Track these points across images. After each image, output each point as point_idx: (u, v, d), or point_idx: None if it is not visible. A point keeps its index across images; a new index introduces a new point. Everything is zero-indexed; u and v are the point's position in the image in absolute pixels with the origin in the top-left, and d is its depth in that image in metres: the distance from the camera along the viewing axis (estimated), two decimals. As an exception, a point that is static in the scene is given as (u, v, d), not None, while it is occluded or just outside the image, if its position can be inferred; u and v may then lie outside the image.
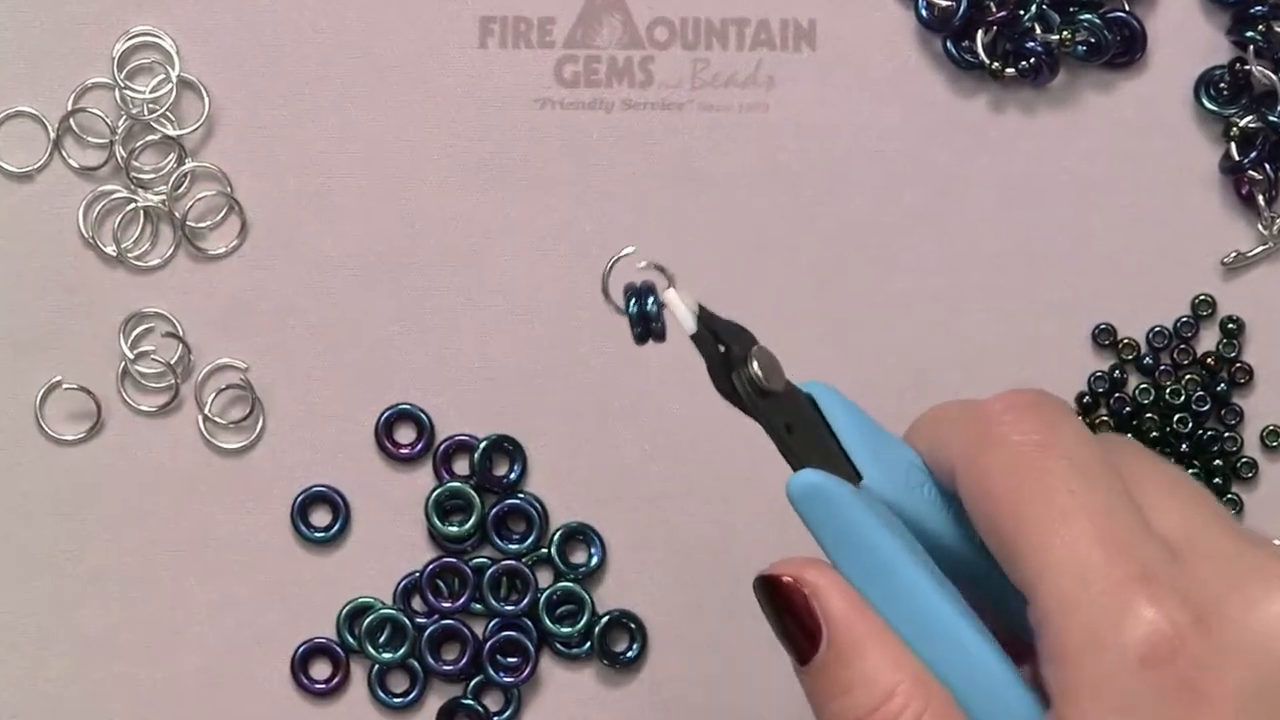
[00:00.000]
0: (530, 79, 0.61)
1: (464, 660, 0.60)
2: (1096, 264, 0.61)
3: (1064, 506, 0.41)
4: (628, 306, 0.43)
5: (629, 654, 0.60)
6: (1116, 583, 0.40)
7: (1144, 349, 0.61)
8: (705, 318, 0.43)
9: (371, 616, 0.60)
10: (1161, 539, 0.41)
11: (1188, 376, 0.61)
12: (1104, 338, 0.61)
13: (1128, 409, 0.61)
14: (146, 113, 0.60)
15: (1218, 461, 0.61)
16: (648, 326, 0.43)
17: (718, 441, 0.61)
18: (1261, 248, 0.61)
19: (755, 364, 0.43)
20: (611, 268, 0.43)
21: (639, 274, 0.43)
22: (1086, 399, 0.61)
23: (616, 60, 0.61)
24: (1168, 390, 0.60)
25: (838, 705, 0.42)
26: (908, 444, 0.45)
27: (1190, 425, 0.61)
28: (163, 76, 0.60)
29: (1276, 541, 0.43)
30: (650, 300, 0.43)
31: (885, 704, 0.41)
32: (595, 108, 0.61)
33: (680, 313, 0.43)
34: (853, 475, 0.43)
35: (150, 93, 0.60)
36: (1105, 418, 0.61)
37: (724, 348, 0.43)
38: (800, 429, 0.43)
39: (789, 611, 0.43)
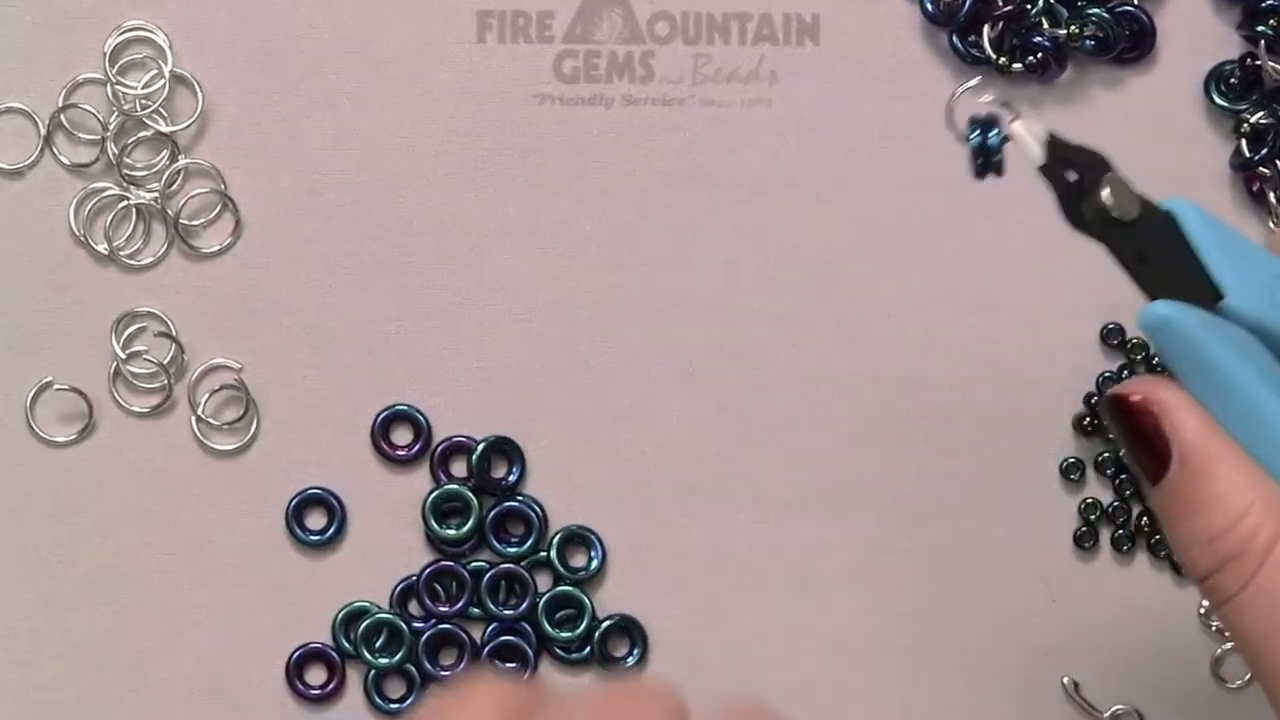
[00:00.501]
0: (529, 74, 0.60)
1: (462, 665, 0.60)
2: (1105, 263, 0.57)
3: None
4: (970, 138, 0.43)
5: (630, 660, 0.60)
6: None
7: (1153, 349, 0.61)
8: (1055, 146, 0.42)
9: (368, 621, 0.60)
10: None
11: None
12: (1113, 337, 0.61)
13: None
14: (139, 109, 0.60)
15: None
16: (989, 159, 0.43)
17: (721, 442, 0.61)
18: (1273, 245, 0.61)
19: (1106, 191, 0.42)
20: (958, 97, 0.43)
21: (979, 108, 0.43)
22: (1095, 399, 0.61)
23: (617, 55, 0.60)
24: None
25: (1190, 525, 0.41)
26: (1274, 256, 0.44)
27: None
28: (155, 72, 0.60)
29: None
30: (994, 132, 0.43)
31: (1239, 523, 0.41)
32: (595, 104, 0.61)
33: (1028, 144, 0.42)
34: (1214, 295, 0.43)
35: (142, 88, 0.60)
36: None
37: (1075, 176, 0.42)
38: (1157, 254, 0.43)
39: (1138, 430, 0.42)
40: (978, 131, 0.43)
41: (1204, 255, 0.43)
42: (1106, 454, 0.60)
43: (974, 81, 0.44)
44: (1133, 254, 0.42)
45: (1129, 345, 0.61)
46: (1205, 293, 0.43)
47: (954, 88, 0.57)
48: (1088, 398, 0.61)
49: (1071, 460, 0.60)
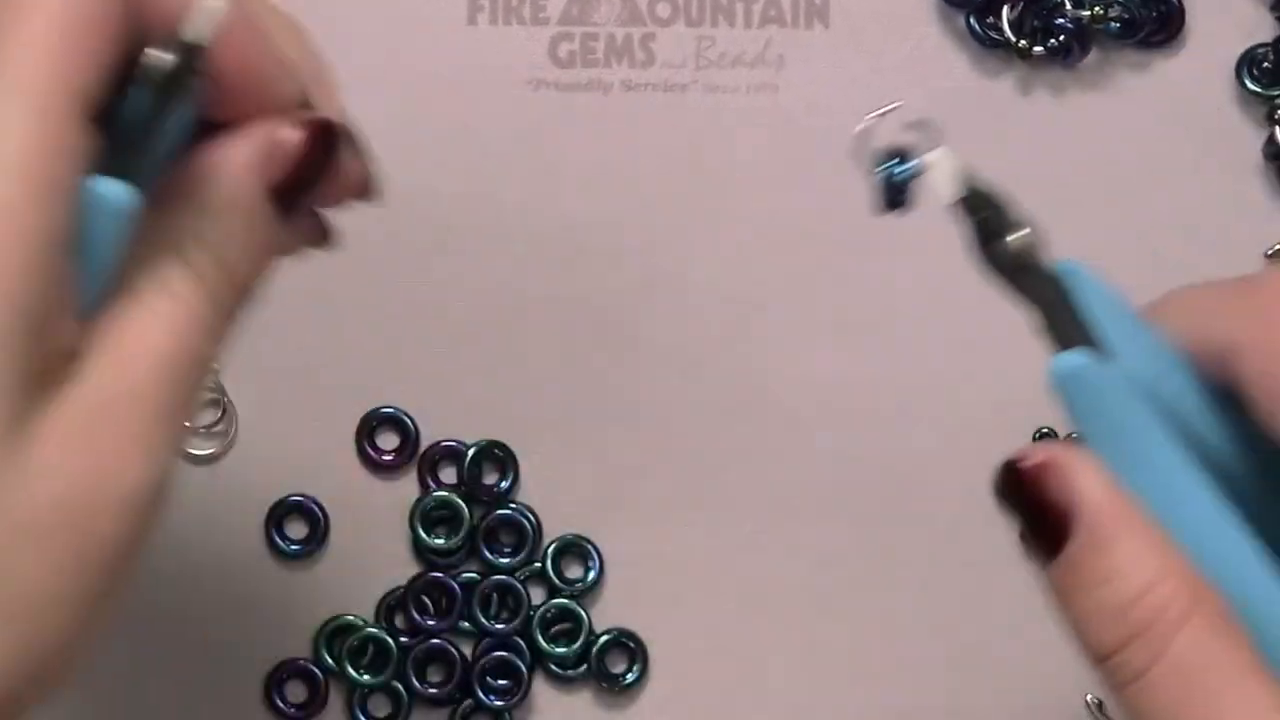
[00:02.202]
0: (522, 58, 0.60)
1: (451, 683, 0.59)
2: (1130, 256, 0.59)
3: None
4: (879, 169, 0.43)
5: (628, 676, 0.60)
6: None
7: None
8: (969, 181, 0.43)
9: (351, 636, 0.59)
10: None
11: None
12: None
13: None
14: None
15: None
16: (898, 193, 0.43)
17: (724, 447, 0.60)
18: (1309, 238, 0.61)
19: (1019, 233, 0.42)
20: (867, 127, 0.43)
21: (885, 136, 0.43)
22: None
23: (615, 38, 0.60)
24: None
25: (1095, 597, 0.39)
26: (1157, 328, 0.44)
27: None
28: None
29: None
30: (906, 164, 0.43)
31: (1149, 593, 0.39)
32: (592, 89, 0.60)
33: (942, 176, 0.42)
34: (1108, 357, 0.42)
35: None
36: None
37: (986, 215, 0.42)
38: (1056, 307, 0.42)
39: (1037, 497, 0.40)
40: (889, 162, 0.43)
41: (1096, 318, 0.43)
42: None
43: (889, 107, 0.43)
44: (1044, 300, 0.42)
45: None
46: (1099, 354, 0.42)
47: (972, 75, 0.60)
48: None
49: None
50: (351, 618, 0.60)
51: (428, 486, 0.60)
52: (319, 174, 0.43)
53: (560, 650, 0.59)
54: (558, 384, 0.60)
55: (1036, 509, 0.40)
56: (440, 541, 0.60)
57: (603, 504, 0.60)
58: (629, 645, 0.60)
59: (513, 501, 0.60)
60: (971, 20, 0.60)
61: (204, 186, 0.42)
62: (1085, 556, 0.40)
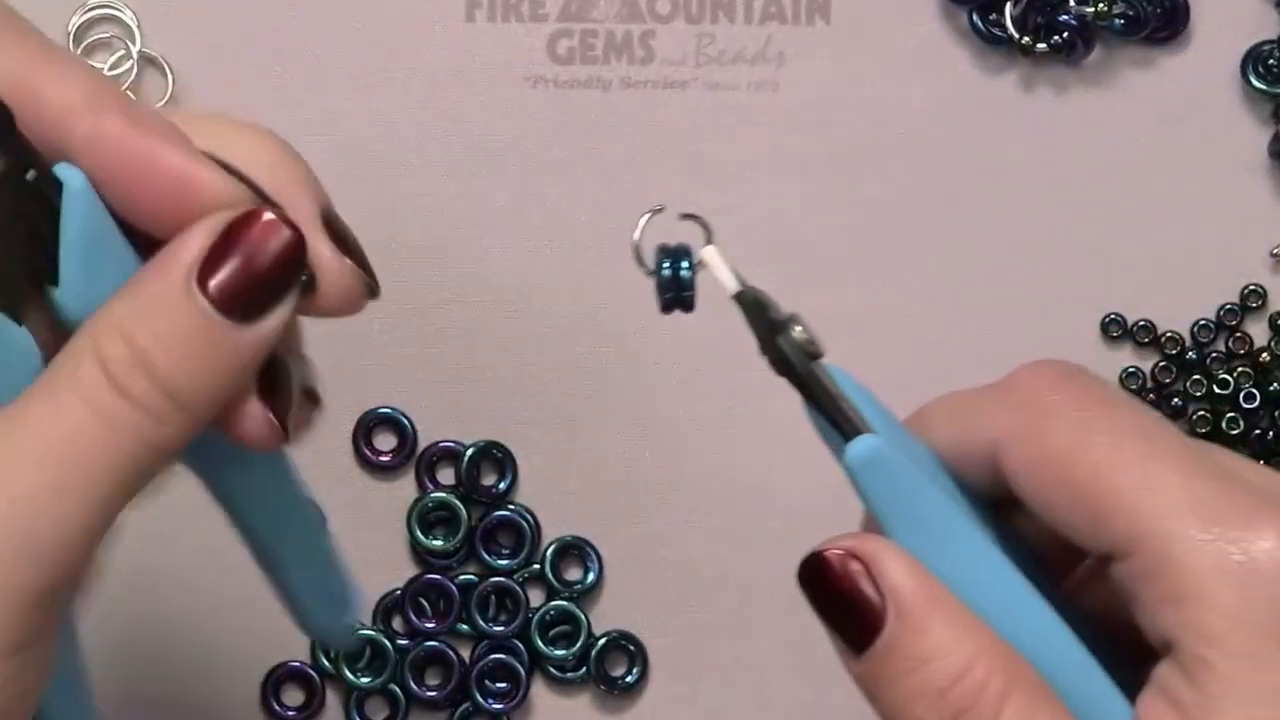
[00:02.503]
0: (521, 55, 0.60)
1: (449, 686, 0.59)
2: (1135, 255, 0.60)
3: (1154, 447, 0.40)
4: (659, 269, 0.43)
5: (628, 678, 0.60)
6: (1241, 510, 0.39)
7: (1188, 343, 0.60)
8: (742, 280, 0.43)
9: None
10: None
11: (1240, 369, 0.60)
12: (1144, 334, 0.60)
13: (1175, 404, 0.60)
14: None
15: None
16: (679, 293, 0.43)
17: (723, 449, 0.60)
18: (1315, 238, 0.61)
19: (800, 327, 0.43)
20: (644, 226, 0.43)
21: (668, 232, 0.43)
22: (1149, 400, 0.61)
23: (615, 35, 0.60)
24: (1216, 384, 0.60)
25: (912, 683, 0.40)
26: (917, 436, 0.44)
27: (1242, 427, 0.59)
28: (123, 52, 0.60)
29: None
30: (685, 263, 0.43)
31: (966, 675, 0.40)
32: (592, 86, 0.60)
33: (722, 272, 0.42)
34: None
35: (109, 70, 0.59)
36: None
37: (765, 311, 0.43)
38: (842, 397, 0.43)
39: (843, 590, 0.41)
40: (668, 263, 0.43)
41: (866, 419, 0.42)
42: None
43: (657, 208, 0.44)
44: (830, 391, 0.42)
45: (1162, 340, 0.60)
46: (854, 432, 0.42)
47: (974, 72, 0.60)
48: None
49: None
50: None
51: (425, 487, 0.60)
52: (267, 271, 0.41)
53: (559, 652, 0.59)
54: (556, 384, 0.60)
55: (846, 599, 0.41)
56: (438, 543, 0.59)
57: (602, 505, 0.60)
58: (628, 647, 0.60)
59: (511, 502, 0.60)
60: (974, 17, 0.59)
61: (133, 278, 0.41)
62: (900, 643, 0.40)
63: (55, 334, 0.41)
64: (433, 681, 0.59)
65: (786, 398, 0.59)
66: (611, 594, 0.60)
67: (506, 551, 0.60)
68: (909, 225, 0.60)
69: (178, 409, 0.40)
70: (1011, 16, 0.59)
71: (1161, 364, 0.60)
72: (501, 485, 0.60)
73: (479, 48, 0.60)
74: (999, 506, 0.44)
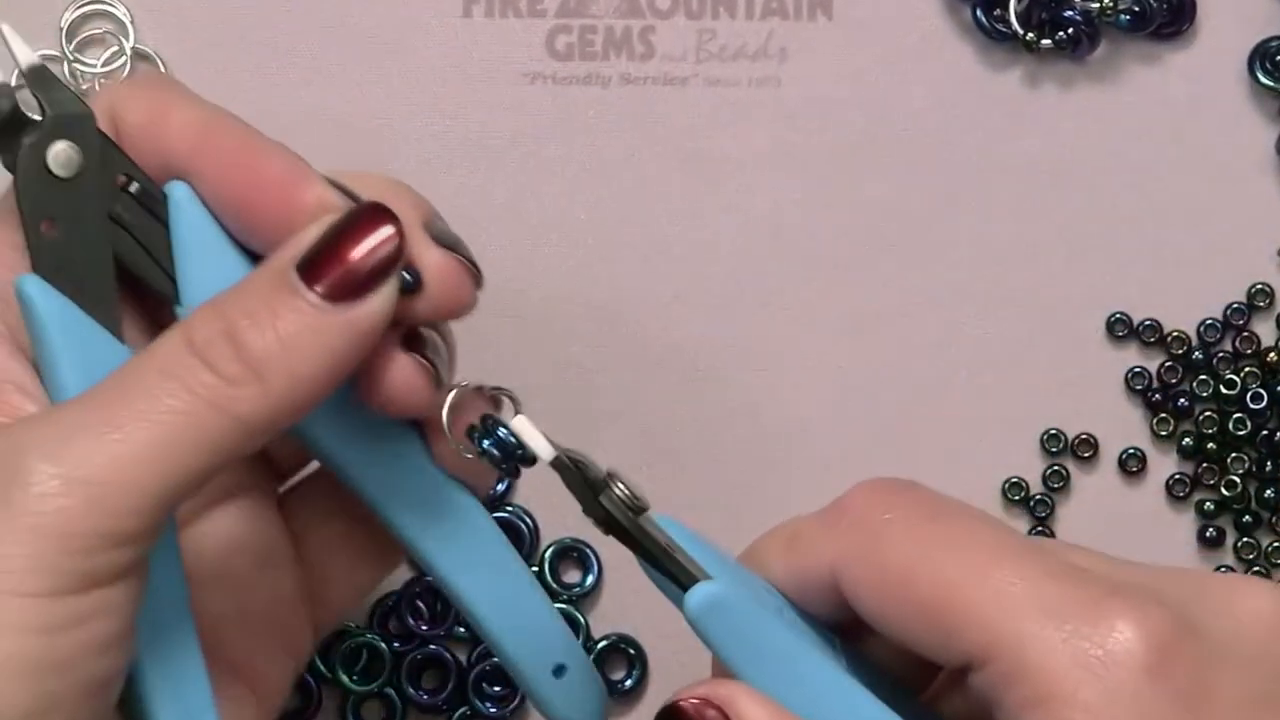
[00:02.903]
0: (519, 51, 0.60)
1: (446, 690, 0.59)
2: (1140, 254, 0.60)
3: (994, 554, 0.41)
4: (481, 446, 0.44)
5: (627, 682, 0.59)
6: (1089, 605, 0.40)
7: (1194, 342, 0.60)
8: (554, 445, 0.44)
9: (344, 642, 0.59)
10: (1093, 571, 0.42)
11: (1247, 369, 0.59)
12: (1150, 334, 0.60)
13: (1181, 405, 0.60)
14: (98, 88, 0.59)
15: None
16: (511, 458, 0.44)
17: (722, 450, 0.60)
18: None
19: (621, 483, 0.43)
20: (452, 405, 0.44)
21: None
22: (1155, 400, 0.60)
23: (614, 30, 0.60)
24: (1223, 384, 0.60)
25: None
26: (753, 572, 0.46)
27: (1249, 428, 0.59)
28: (116, 49, 0.59)
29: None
30: (502, 431, 0.44)
31: None
32: (591, 83, 0.60)
33: (535, 440, 0.43)
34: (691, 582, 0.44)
35: (102, 66, 0.59)
36: (1165, 416, 0.60)
37: (584, 471, 0.44)
38: (672, 547, 0.44)
39: None
40: (485, 437, 0.44)
41: (702, 564, 0.43)
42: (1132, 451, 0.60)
43: (462, 384, 0.45)
44: (660, 543, 0.43)
45: (1168, 339, 0.60)
46: (690, 581, 0.43)
47: (978, 69, 0.59)
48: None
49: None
50: (345, 623, 0.59)
51: None
52: (359, 252, 0.42)
53: None
54: (554, 383, 0.60)
55: None
56: None
57: None
58: (628, 651, 0.59)
59: (508, 504, 0.59)
60: (978, 12, 0.59)
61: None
62: None
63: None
64: (429, 685, 0.59)
65: (789, 400, 0.60)
66: (611, 597, 0.60)
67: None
68: (911, 223, 0.60)
69: (257, 380, 0.41)
70: (1015, 12, 0.59)
71: (1167, 364, 0.59)
72: (499, 487, 0.59)
73: (476, 43, 0.59)
74: (847, 632, 0.45)
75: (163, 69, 0.59)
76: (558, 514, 0.59)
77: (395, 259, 0.42)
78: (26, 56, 0.42)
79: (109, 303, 0.42)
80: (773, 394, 0.60)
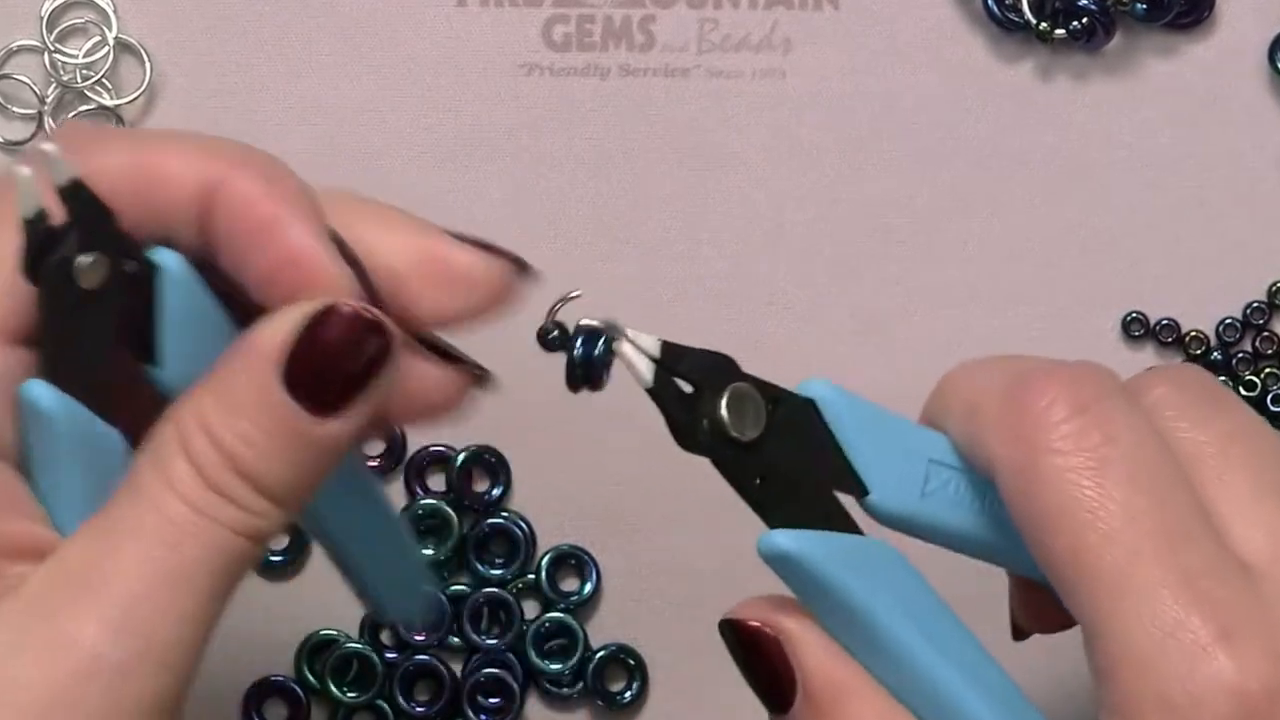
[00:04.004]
0: (515, 42, 0.60)
1: (440, 701, 0.59)
2: (1157, 251, 0.60)
3: (1128, 542, 0.40)
4: (573, 346, 0.44)
5: (627, 694, 0.59)
6: (1195, 641, 0.39)
7: (1213, 342, 0.60)
8: (669, 357, 0.43)
9: (335, 652, 0.59)
10: (1241, 562, 0.41)
11: (1267, 370, 0.60)
12: (1167, 333, 0.60)
13: None
14: (79, 80, 0.59)
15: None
16: (590, 373, 0.44)
17: None
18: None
19: (724, 408, 0.42)
20: (558, 309, 0.44)
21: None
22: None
23: (613, 20, 0.60)
24: (1242, 385, 0.60)
25: None
26: (932, 428, 0.45)
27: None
28: (98, 39, 0.59)
29: None
30: (601, 345, 0.43)
31: None
32: (589, 74, 0.60)
33: (636, 367, 0.43)
34: (859, 491, 0.43)
35: (84, 57, 0.59)
36: None
37: (691, 389, 0.43)
38: (785, 466, 0.43)
39: (760, 658, 0.42)
40: (582, 342, 0.44)
41: (847, 445, 0.43)
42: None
43: (575, 293, 0.44)
44: (752, 474, 0.42)
45: (1186, 340, 0.60)
46: (849, 489, 0.43)
47: (990, 60, 0.60)
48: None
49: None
50: (335, 633, 0.59)
51: (415, 494, 0.60)
52: (351, 366, 0.41)
53: (555, 667, 0.59)
54: (551, 386, 0.57)
55: (760, 670, 0.42)
56: (428, 552, 0.59)
57: (600, 512, 0.60)
58: (627, 662, 0.59)
59: (504, 510, 0.60)
60: (989, 2, 0.59)
61: (217, 365, 0.42)
62: None
63: (146, 423, 0.42)
64: (422, 697, 0.59)
65: None
66: (610, 606, 0.60)
67: (500, 561, 0.59)
68: (920, 220, 0.60)
69: (272, 503, 0.41)
70: (1028, 1, 0.59)
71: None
72: (494, 492, 0.59)
73: (471, 33, 0.59)
74: None
75: (146, 60, 0.59)
76: (555, 519, 0.60)
77: (385, 363, 0.42)
78: (69, 170, 0.41)
79: (109, 392, 0.42)
80: None
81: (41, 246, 0.41)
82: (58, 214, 0.41)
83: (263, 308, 0.42)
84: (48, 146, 0.40)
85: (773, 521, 0.42)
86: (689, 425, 0.43)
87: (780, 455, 0.42)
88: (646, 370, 0.43)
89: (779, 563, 0.41)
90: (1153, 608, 0.39)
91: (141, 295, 0.42)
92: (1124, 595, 0.40)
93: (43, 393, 0.41)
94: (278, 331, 0.41)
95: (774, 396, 0.43)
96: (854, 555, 0.42)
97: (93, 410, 0.42)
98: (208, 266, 0.43)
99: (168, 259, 0.42)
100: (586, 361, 0.43)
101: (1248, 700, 0.39)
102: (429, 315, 0.44)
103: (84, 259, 0.41)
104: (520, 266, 0.45)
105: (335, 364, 0.41)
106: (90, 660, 0.39)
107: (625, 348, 0.43)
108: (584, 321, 0.43)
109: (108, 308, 0.41)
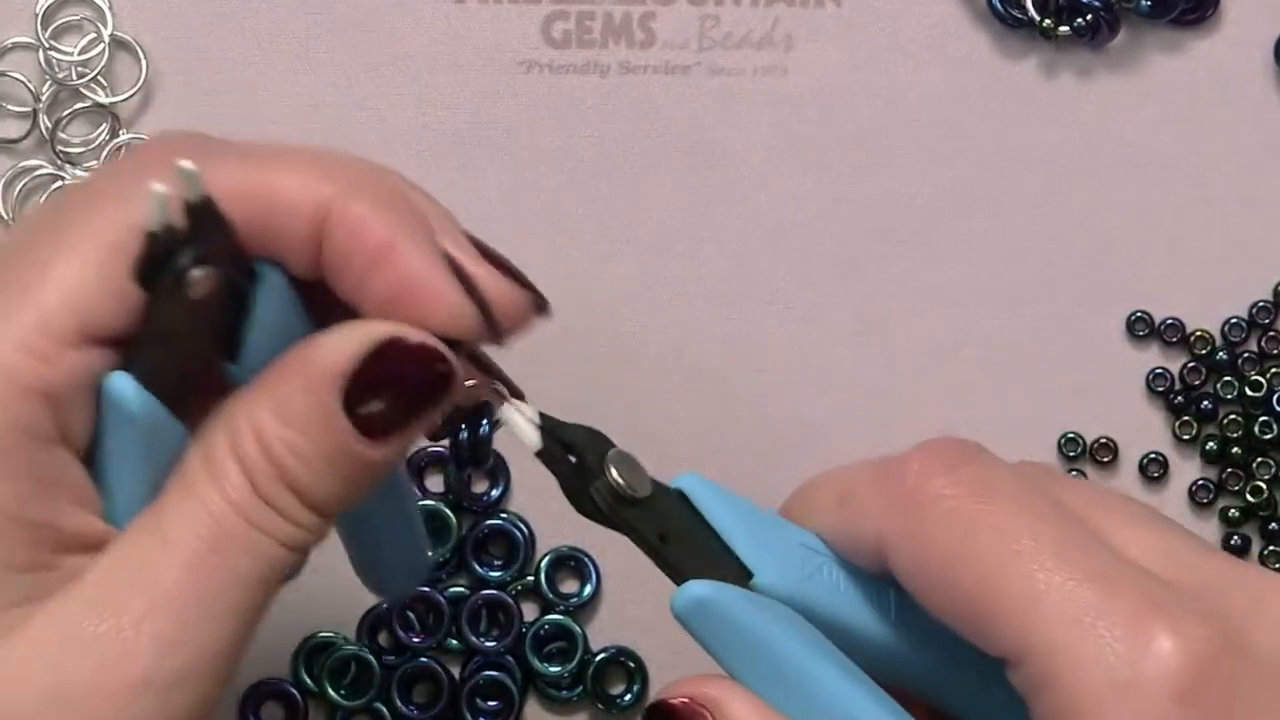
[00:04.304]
0: (514, 38, 0.60)
1: (439, 704, 0.59)
2: (1162, 250, 0.60)
3: (1034, 552, 0.41)
4: (455, 433, 0.44)
5: (626, 697, 0.59)
6: (1125, 617, 0.40)
7: (1219, 342, 0.60)
8: (549, 427, 0.44)
9: (332, 654, 0.59)
10: (1142, 568, 0.42)
11: (1273, 370, 0.59)
12: (1172, 333, 0.60)
13: (1205, 408, 0.60)
14: (75, 77, 0.59)
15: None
16: (479, 450, 0.44)
17: (724, 455, 0.59)
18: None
19: (614, 471, 0.44)
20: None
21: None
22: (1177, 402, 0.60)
23: (613, 16, 0.60)
24: (1248, 386, 0.60)
25: None
26: (798, 524, 0.46)
27: (1275, 431, 0.59)
28: (93, 35, 0.59)
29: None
30: (484, 420, 0.44)
31: None
32: (589, 71, 0.60)
33: (522, 429, 0.44)
34: (741, 574, 0.44)
35: (79, 54, 0.59)
36: (1188, 420, 0.60)
37: (575, 458, 0.44)
38: (676, 534, 0.44)
39: None
40: (464, 424, 0.44)
41: (724, 533, 0.44)
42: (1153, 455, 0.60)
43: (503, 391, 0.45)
44: (654, 532, 0.43)
45: (1191, 339, 0.60)
46: (733, 573, 0.43)
47: (993, 57, 0.60)
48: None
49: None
50: (332, 635, 0.59)
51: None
52: (411, 398, 0.42)
53: (554, 670, 0.59)
54: (550, 385, 0.57)
55: None
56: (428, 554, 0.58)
57: None
58: (627, 664, 0.59)
59: (503, 511, 0.59)
60: None
61: (275, 371, 0.42)
62: None
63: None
64: (420, 700, 0.59)
65: (794, 403, 0.59)
66: (610, 608, 0.59)
67: (499, 563, 0.59)
68: (923, 219, 0.60)
69: (316, 515, 0.42)
70: None
71: (1190, 365, 0.59)
72: (493, 493, 0.59)
73: (469, 30, 0.59)
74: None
75: (142, 57, 0.58)
76: (554, 521, 0.59)
77: (443, 397, 0.42)
78: (197, 190, 0.42)
79: (189, 393, 0.43)
80: (777, 397, 0.60)
81: (160, 257, 0.41)
82: (180, 225, 0.41)
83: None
84: (186, 164, 0.40)
85: (684, 575, 0.43)
86: (582, 490, 0.43)
87: (671, 521, 0.43)
88: (534, 435, 0.43)
89: (698, 613, 0.42)
90: (1075, 601, 0.40)
91: (238, 300, 0.43)
92: (1044, 598, 0.40)
93: (126, 388, 0.42)
94: (342, 351, 0.41)
95: (650, 480, 0.44)
96: (766, 606, 0.43)
97: (171, 408, 0.42)
98: (307, 284, 0.43)
99: (269, 271, 0.43)
100: (474, 440, 0.44)
101: (1194, 658, 0.39)
102: (442, 327, 0.44)
103: (198, 272, 0.41)
104: (540, 305, 0.45)
105: (396, 395, 0.41)
106: (145, 672, 0.40)
107: (513, 416, 0.44)
108: (459, 402, 0.43)
109: (209, 316, 0.42)
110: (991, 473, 0.43)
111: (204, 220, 0.41)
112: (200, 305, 0.41)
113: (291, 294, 0.43)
